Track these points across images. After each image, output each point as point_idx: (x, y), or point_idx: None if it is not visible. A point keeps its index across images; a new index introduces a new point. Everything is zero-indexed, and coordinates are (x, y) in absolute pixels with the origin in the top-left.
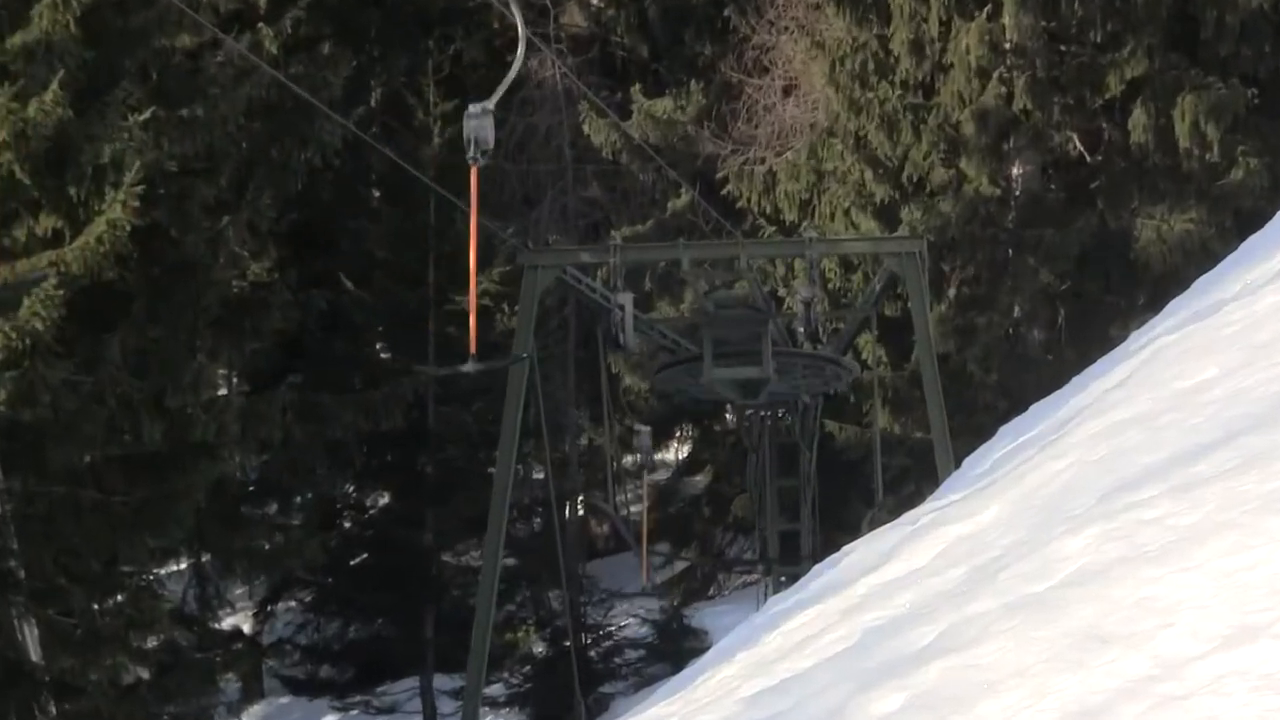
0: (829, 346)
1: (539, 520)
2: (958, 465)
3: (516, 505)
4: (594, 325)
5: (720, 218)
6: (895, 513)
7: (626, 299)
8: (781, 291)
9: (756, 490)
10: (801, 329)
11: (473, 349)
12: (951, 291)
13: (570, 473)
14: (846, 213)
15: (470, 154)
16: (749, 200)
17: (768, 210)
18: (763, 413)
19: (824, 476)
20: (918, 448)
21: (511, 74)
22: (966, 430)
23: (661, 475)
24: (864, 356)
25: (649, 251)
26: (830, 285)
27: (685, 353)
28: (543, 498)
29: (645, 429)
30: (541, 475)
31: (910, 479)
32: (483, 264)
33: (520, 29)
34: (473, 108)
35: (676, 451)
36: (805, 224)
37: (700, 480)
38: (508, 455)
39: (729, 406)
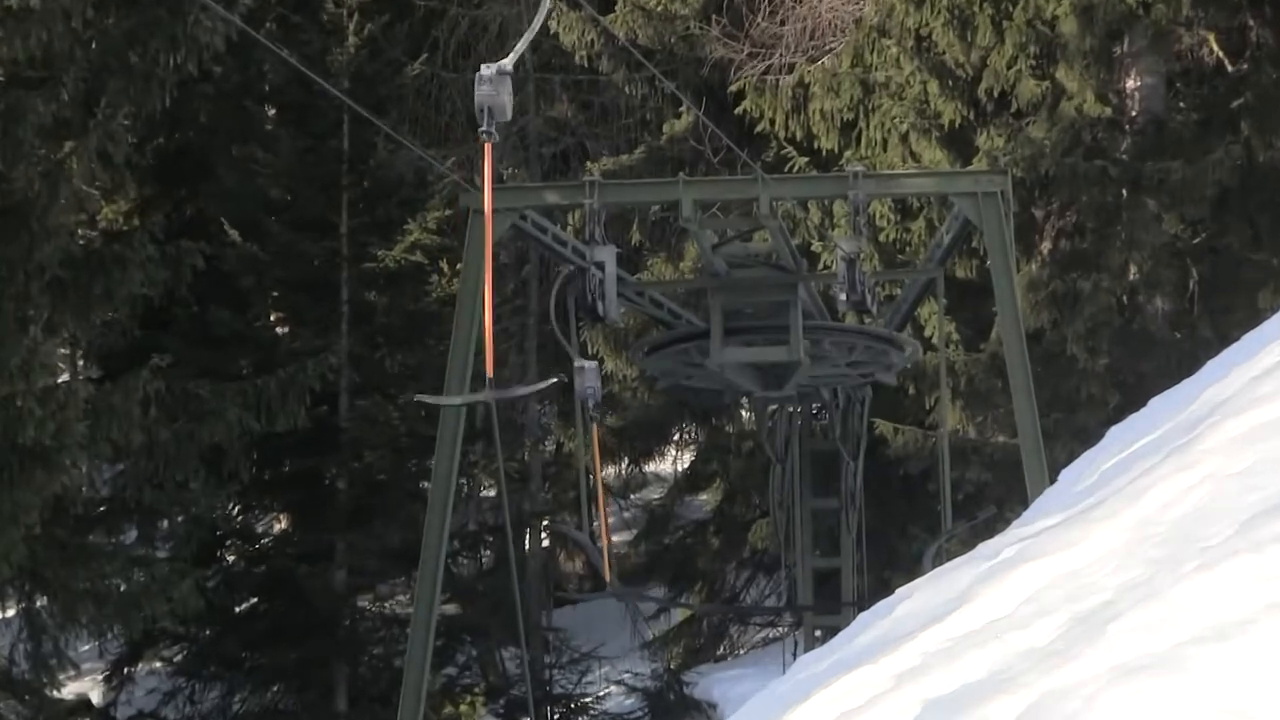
0: (880, 319)
1: (489, 553)
2: (1053, 479)
3: (459, 532)
4: (563, 290)
5: (734, 146)
6: (968, 543)
7: (607, 255)
8: (816, 246)
9: (782, 514)
10: (843, 295)
11: (489, 369)
12: (1046, 246)
13: (532, 489)
14: (904, 139)
15: (483, 126)
16: (772, 122)
17: (797, 136)
18: (791, 409)
19: (873, 495)
20: (999, 456)
21: (536, 24)
22: (1065, 432)
23: (654, 494)
24: (927, 333)
25: (638, 191)
26: (882, 237)
27: (686, 327)
28: (495, 523)
29: (589, 364)
30: (493, 492)
31: (989, 497)
32: (413, 208)
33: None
34: (485, 70)
35: (675, 461)
36: (848, 154)
37: (706, 500)
38: (446, 464)
39: (745, 400)
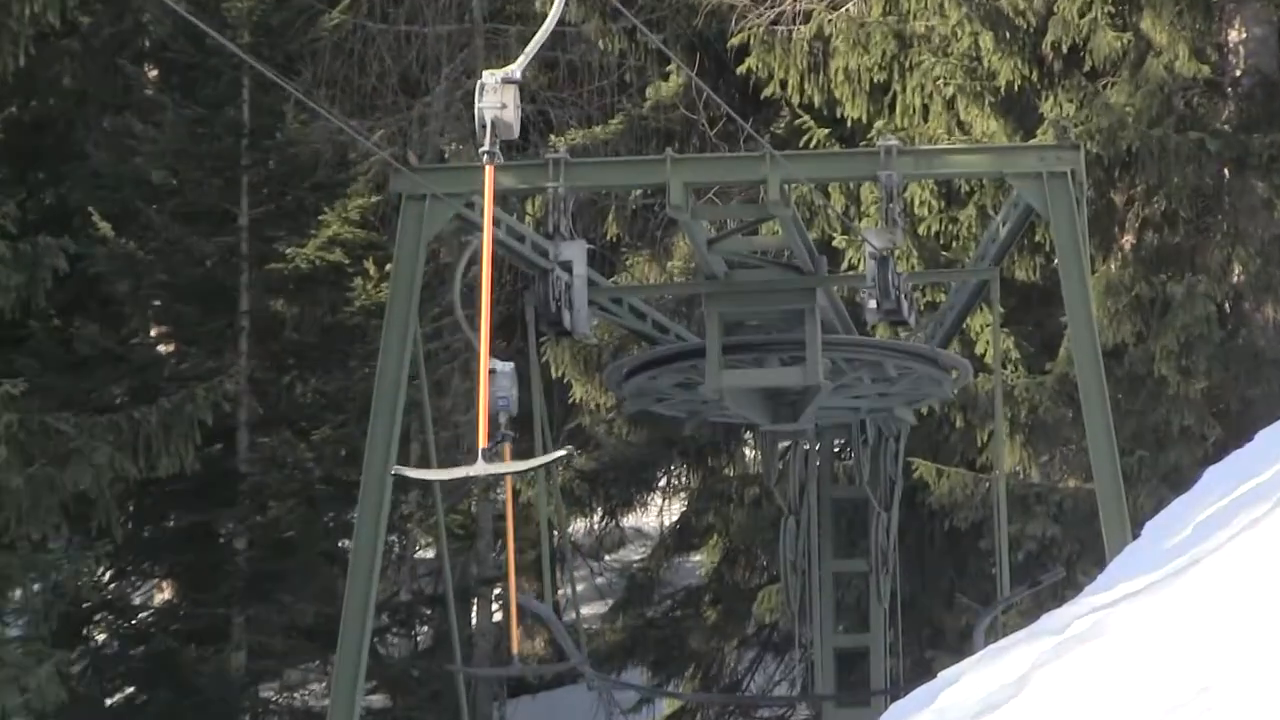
0: (920, 333)
1: (426, 629)
2: (1136, 533)
3: (387, 603)
4: (520, 297)
5: (735, 115)
6: (1030, 615)
7: (575, 252)
8: (839, 240)
9: (796, 578)
10: (873, 303)
11: (483, 440)
12: (1128, 240)
13: (480, 549)
14: (949, 105)
15: (485, 145)
16: (784, 84)
17: (815, 102)
18: (807, 446)
19: (911, 554)
20: (1069, 505)
21: (550, 21)
22: (1152, 474)
23: (634, 554)
24: (979, 350)
25: (614, 171)
26: (922, 229)
27: (675, 344)
28: (434, 591)
29: (504, 365)
30: (432, 552)
31: (1056, 556)
32: (331, 194)
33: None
34: (488, 77)
35: (661, 513)
36: (879, 125)
37: (700, 562)
38: (372, 518)
39: (750, 434)
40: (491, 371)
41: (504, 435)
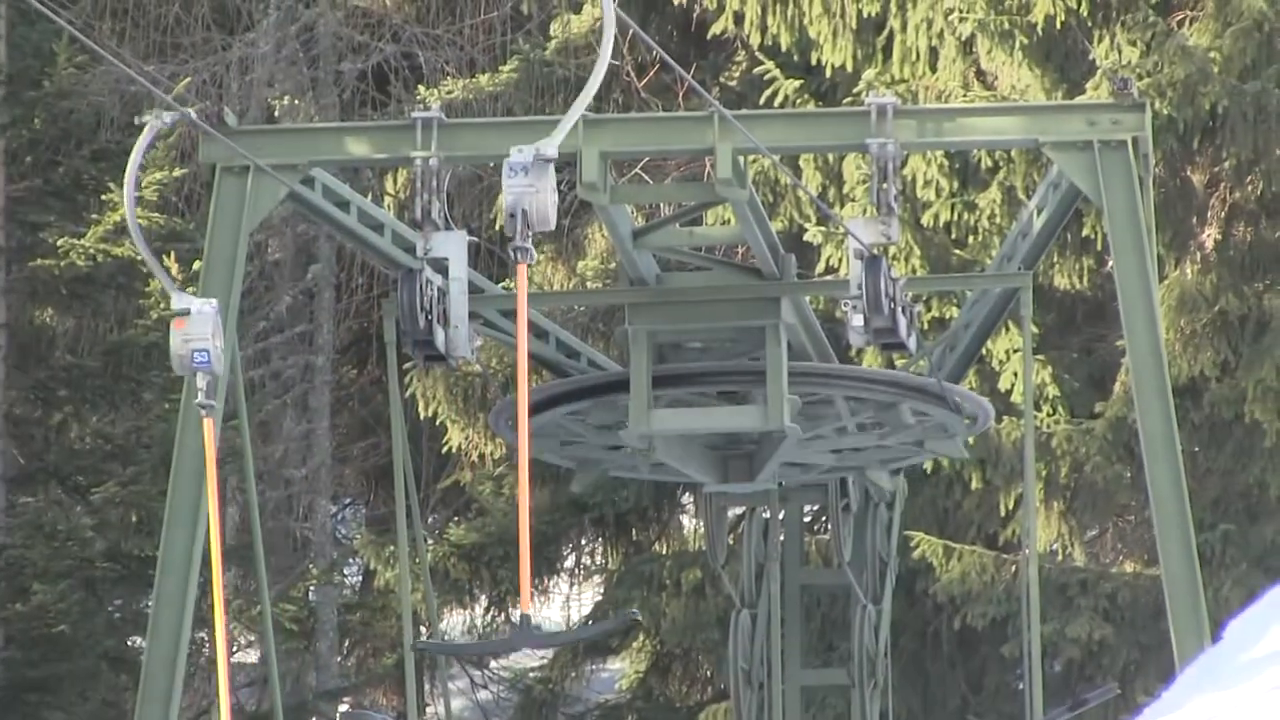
0: (923, 360)
1: None
2: (1214, 635)
3: None
4: (376, 307)
5: (670, 60)
6: None
7: (452, 247)
8: (813, 233)
9: (753, 694)
10: (859, 319)
11: (525, 604)
12: (1210, 235)
13: (322, 651)
14: (965, 49)
15: (516, 240)
16: (739, 18)
17: (782, 43)
18: (767, 513)
19: (909, 662)
20: (1126, 596)
21: (597, 75)
22: (1240, 555)
23: (531, 659)
24: (1004, 385)
25: (505, 136)
26: (927, 219)
27: (588, 375)
28: (256, 709)
29: (206, 306)
30: (255, 654)
31: (1107, 666)
32: (118, 164)
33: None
34: (516, 155)
35: (568, 604)
36: (869, 75)
37: (621, 670)
38: (174, 605)
39: (689, 498)
40: (184, 312)
41: (205, 407)
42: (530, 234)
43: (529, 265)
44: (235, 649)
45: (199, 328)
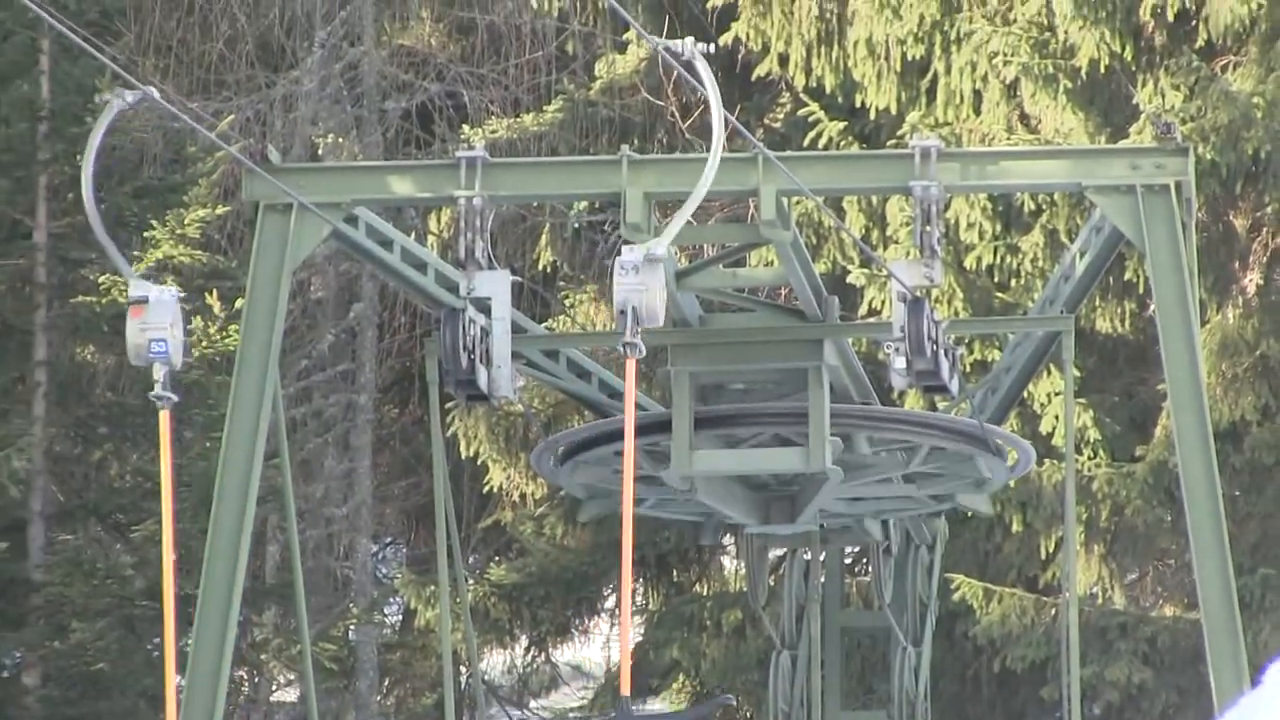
0: (965, 403)
1: None
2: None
3: None
4: (419, 346)
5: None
6: None
7: (496, 286)
8: (856, 274)
9: None
10: (901, 362)
11: (625, 686)
12: (1252, 280)
13: (362, 690)
14: (1009, 92)
15: (626, 335)
16: (784, 60)
17: (826, 85)
18: (808, 555)
19: (948, 704)
20: (1166, 640)
21: (710, 170)
22: None
23: (571, 699)
24: (1045, 429)
25: (549, 176)
26: (969, 261)
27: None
28: None
29: (165, 293)
30: (295, 692)
31: (1147, 710)
32: (163, 201)
33: (711, 95)
34: (628, 255)
35: (608, 643)
36: (913, 118)
37: (660, 711)
38: (214, 645)
39: (729, 539)
40: (143, 300)
41: (161, 399)
42: (639, 330)
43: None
44: (275, 687)
45: (158, 316)
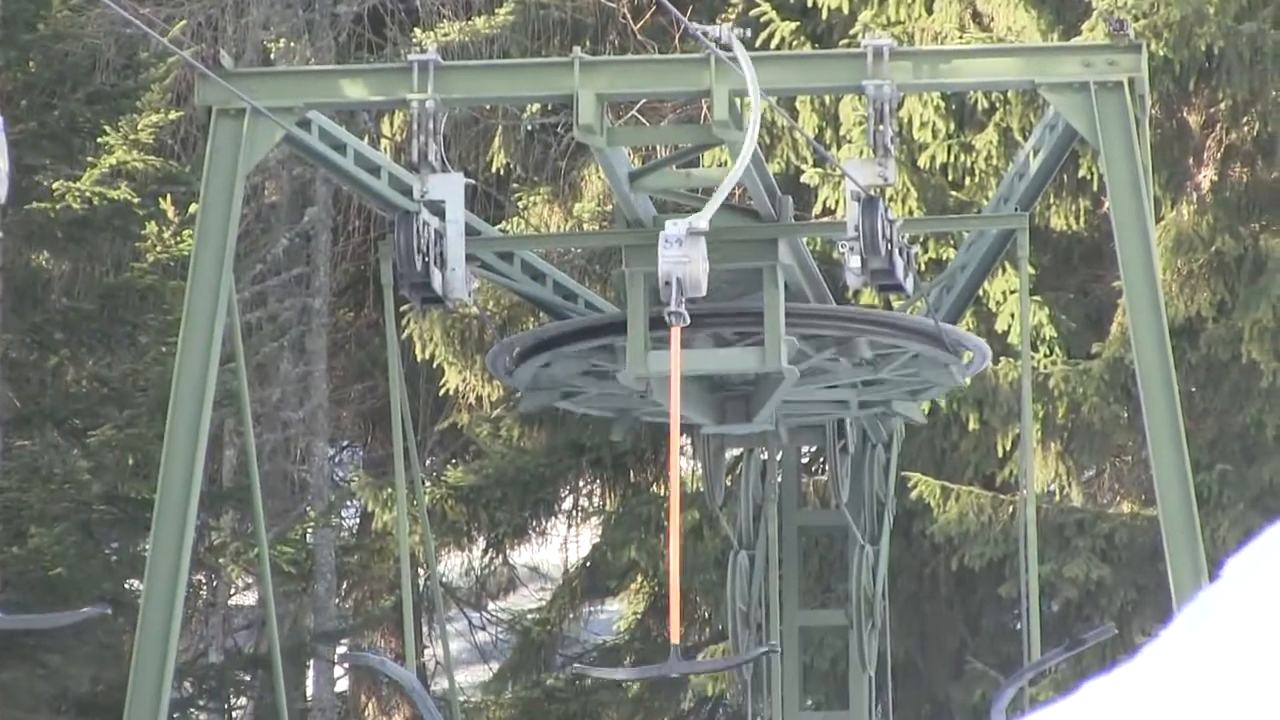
0: (920, 301)
1: (245, 700)
2: (1211, 575)
3: (191, 666)
4: (373, 249)
5: (667, 3)
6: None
7: (449, 188)
8: (811, 174)
9: (751, 635)
10: (856, 261)
11: (675, 634)
12: (1206, 176)
13: (320, 593)
14: None
15: (671, 305)
16: None
17: None
18: (765, 455)
19: (906, 602)
20: (1123, 536)
21: (744, 158)
22: (1237, 495)
23: (528, 601)
24: (1000, 326)
25: (501, 78)
26: (923, 160)
27: (585, 316)
28: (254, 651)
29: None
30: (253, 596)
31: (1105, 606)
32: (115, 107)
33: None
34: (671, 227)
35: (565, 546)
36: (865, 17)
37: (619, 611)
38: (171, 548)
39: (688, 441)
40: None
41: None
42: (684, 300)
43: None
44: (233, 591)
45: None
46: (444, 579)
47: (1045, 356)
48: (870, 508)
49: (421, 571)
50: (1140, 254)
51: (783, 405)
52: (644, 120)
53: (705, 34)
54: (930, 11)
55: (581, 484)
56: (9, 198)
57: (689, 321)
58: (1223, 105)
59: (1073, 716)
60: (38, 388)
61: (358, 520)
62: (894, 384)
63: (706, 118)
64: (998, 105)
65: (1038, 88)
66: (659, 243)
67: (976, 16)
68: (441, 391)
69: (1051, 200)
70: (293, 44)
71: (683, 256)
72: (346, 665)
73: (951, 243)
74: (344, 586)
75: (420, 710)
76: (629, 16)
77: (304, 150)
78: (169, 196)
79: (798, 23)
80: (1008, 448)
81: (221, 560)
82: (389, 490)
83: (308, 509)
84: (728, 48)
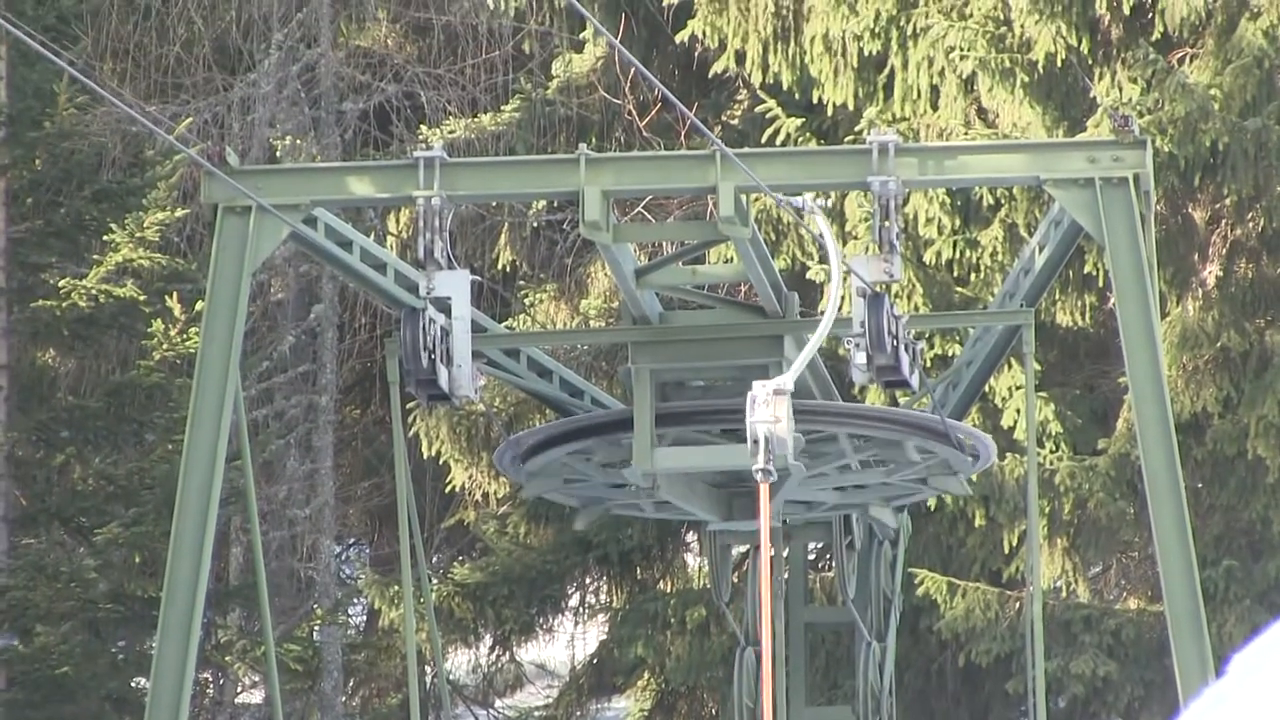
0: (926, 398)
1: None
2: (1218, 670)
3: None
4: (379, 346)
5: (672, 97)
6: None
7: (455, 285)
8: (816, 271)
9: None
10: (861, 358)
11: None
12: (1212, 273)
13: (327, 691)
14: (966, 87)
15: (759, 464)
16: (740, 57)
17: (784, 81)
18: (771, 552)
19: (913, 699)
20: (1130, 632)
21: (827, 322)
22: (1244, 591)
23: (535, 698)
24: (1007, 423)
25: (507, 176)
26: (929, 256)
27: (592, 414)
28: None
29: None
30: (259, 694)
31: (1111, 702)
32: (121, 204)
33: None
34: (758, 388)
35: (572, 643)
36: (870, 113)
37: (627, 709)
38: (178, 647)
39: (693, 536)
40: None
41: None
42: (771, 458)
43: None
44: (240, 689)
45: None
46: (451, 676)
47: (1051, 452)
48: (877, 604)
49: (429, 669)
50: (1146, 350)
51: (790, 504)
52: (650, 216)
53: (790, 203)
54: (935, 107)
55: (588, 581)
56: None
57: (775, 478)
58: (1228, 201)
59: None
60: (44, 485)
61: (364, 618)
62: (900, 483)
63: (712, 214)
64: (1003, 201)
65: (1043, 183)
66: (747, 402)
67: (982, 112)
68: (448, 488)
69: (1057, 296)
70: (299, 141)
71: (770, 416)
72: None
73: (957, 339)
74: (350, 684)
75: None
76: (634, 113)
77: (310, 247)
78: (175, 294)
79: (803, 119)
80: (1014, 543)
81: (228, 658)
82: (395, 587)
83: (314, 607)
84: (800, 212)
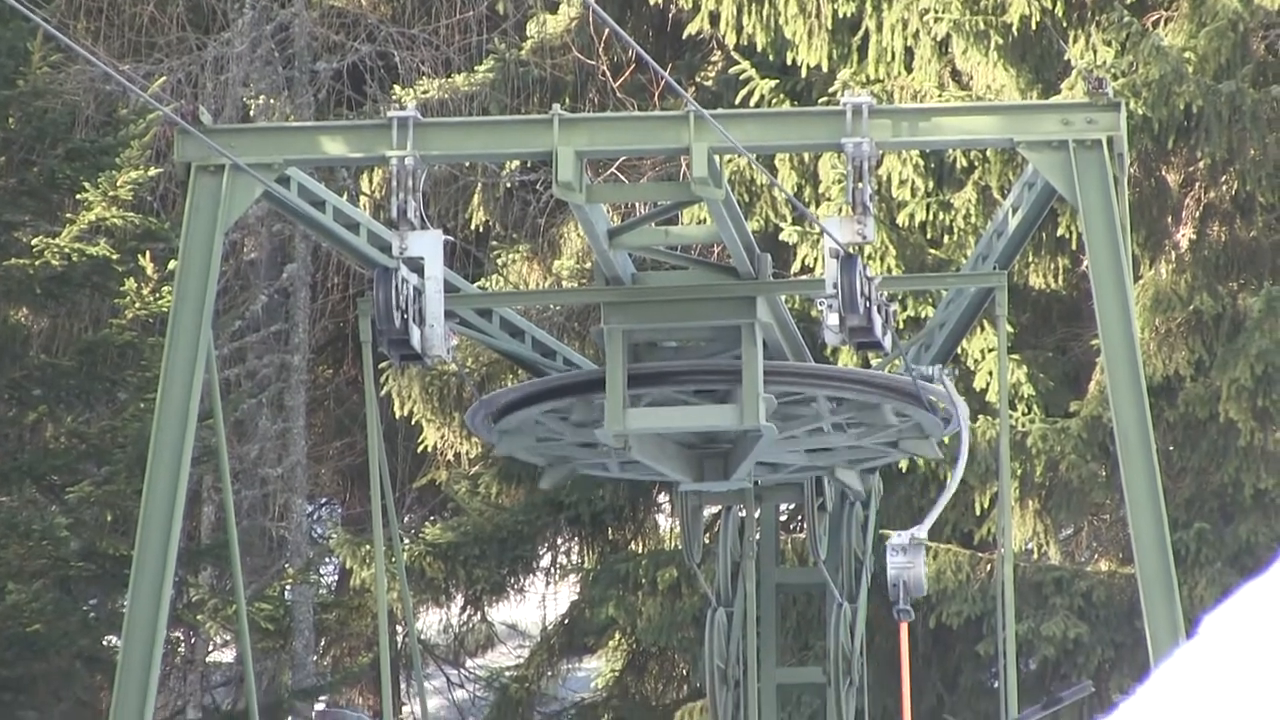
0: (898, 360)
1: None
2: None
3: None
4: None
5: (646, 56)
6: None
7: (428, 246)
8: (789, 232)
9: (728, 692)
10: (834, 319)
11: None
12: (1185, 235)
13: (297, 649)
14: (940, 49)
15: (899, 604)
16: (714, 18)
17: (758, 43)
18: (743, 512)
19: (884, 660)
20: (1101, 595)
21: (955, 480)
22: (1215, 553)
23: (506, 658)
24: (979, 385)
25: (481, 135)
26: (902, 218)
27: (563, 374)
28: (232, 708)
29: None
30: (231, 652)
31: (1082, 664)
32: (95, 163)
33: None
34: (896, 538)
35: (544, 603)
36: (845, 75)
37: (597, 669)
38: (149, 603)
39: (665, 497)
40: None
41: None
42: (909, 599)
43: None
44: (211, 648)
45: None
46: (422, 636)
47: (1024, 415)
48: (848, 565)
49: (400, 628)
50: (1118, 312)
51: (762, 467)
52: (623, 177)
53: (920, 372)
54: (909, 69)
55: (560, 541)
56: None
57: (914, 618)
58: (1201, 164)
59: None
60: (15, 444)
61: (336, 577)
62: (871, 444)
63: (685, 174)
64: (976, 163)
65: (1016, 146)
66: (886, 550)
67: (956, 75)
68: (420, 448)
69: (1030, 259)
70: (272, 101)
71: (907, 563)
72: None
73: (930, 301)
74: (322, 643)
75: None
76: (608, 74)
77: (283, 207)
78: (148, 253)
79: (777, 80)
80: (986, 505)
81: (200, 617)
82: (367, 547)
83: (286, 566)
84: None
